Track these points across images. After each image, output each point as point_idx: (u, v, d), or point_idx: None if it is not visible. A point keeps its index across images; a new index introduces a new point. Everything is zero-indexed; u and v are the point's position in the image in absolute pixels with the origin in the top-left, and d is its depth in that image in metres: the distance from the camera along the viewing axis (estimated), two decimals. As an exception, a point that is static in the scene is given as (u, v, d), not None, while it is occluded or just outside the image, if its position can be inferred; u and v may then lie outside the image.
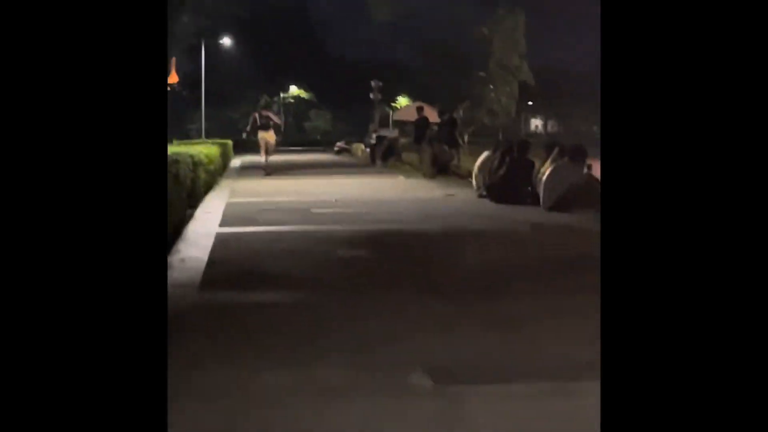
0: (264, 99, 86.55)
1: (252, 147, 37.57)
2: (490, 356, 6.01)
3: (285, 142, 63.18)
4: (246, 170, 30.92)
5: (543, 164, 16.88)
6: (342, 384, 5.55)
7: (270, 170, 27.28)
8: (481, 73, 56.90)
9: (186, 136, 40.22)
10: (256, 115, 30.57)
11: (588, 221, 13.74)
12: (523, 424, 4.93)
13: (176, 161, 14.05)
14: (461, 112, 49.43)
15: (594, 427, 3.52)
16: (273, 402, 5.23)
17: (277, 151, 33.82)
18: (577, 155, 16.55)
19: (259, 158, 32.90)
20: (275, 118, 31.99)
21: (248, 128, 32.05)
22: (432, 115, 34.54)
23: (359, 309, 7.95)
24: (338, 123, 79.31)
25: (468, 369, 5.78)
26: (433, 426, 4.87)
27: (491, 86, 56.20)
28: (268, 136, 28.90)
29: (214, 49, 55.72)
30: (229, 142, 39.65)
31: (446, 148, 27.08)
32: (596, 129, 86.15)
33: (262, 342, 6.66)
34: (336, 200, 18.36)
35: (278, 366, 5.99)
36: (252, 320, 7.51)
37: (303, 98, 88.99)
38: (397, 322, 7.28)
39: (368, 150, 40.76)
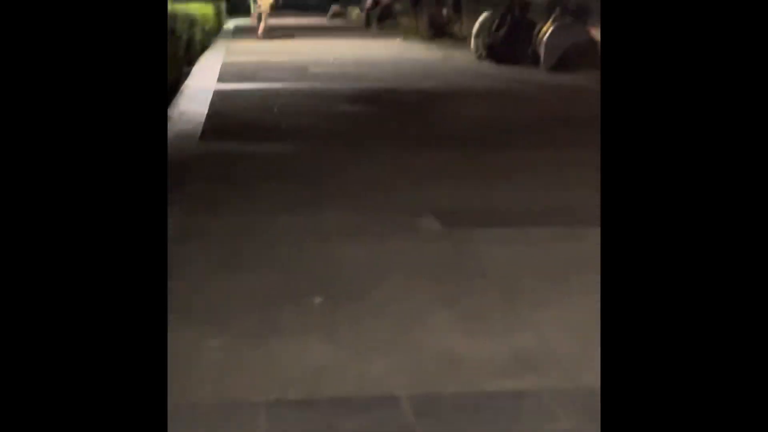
0: None
1: (248, 10, 35.22)
2: (493, 199, 6.06)
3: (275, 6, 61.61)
4: (240, 32, 29.01)
5: (544, 24, 16.28)
6: (346, 225, 5.60)
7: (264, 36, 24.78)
8: None
9: None
10: None
11: (589, 80, 13.12)
12: (528, 256, 5.05)
13: (173, 17, 13.49)
14: None
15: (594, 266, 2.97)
16: (275, 240, 5.22)
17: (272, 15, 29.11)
18: (581, 14, 16.09)
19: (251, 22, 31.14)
20: None
21: None
22: None
23: (362, 159, 7.68)
24: None
25: (473, 211, 5.87)
26: (444, 262, 4.94)
27: None
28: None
29: None
30: (222, 3, 38.16)
31: (444, 11, 25.92)
32: None
33: (262, 187, 6.51)
34: (334, 59, 17.49)
35: (280, 209, 5.88)
36: (252, 165, 7.27)
37: None
38: (402, 168, 7.22)
39: (364, 14, 39.40)
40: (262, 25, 23.69)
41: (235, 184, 6.63)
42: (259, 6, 24.75)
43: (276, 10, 22.99)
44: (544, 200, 6.42)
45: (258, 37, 22.69)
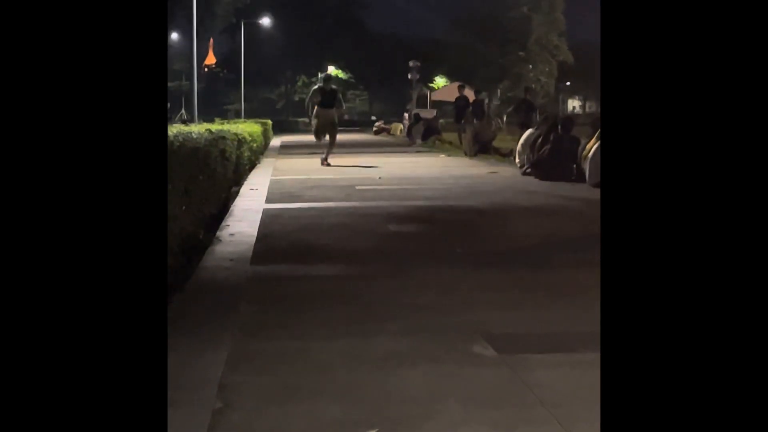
0: (301, 79, 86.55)
1: (290, 127, 36.43)
2: (549, 325, 6.06)
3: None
4: (286, 149, 29.44)
5: (589, 141, 16.52)
6: (397, 350, 5.53)
7: (327, 158, 21.79)
8: (521, 53, 56.96)
9: (224, 115, 40.33)
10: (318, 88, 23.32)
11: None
12: (586, 382, 4.70)
13: (222, 138, 13.80)
14: (497, 96, 49.24)
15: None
16: (327, 368, 5.15)
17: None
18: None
19: (300, 138, 29.35)
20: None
21: (309, 102, 23.43)
22: (470, 95, 33.77)
23: (413, 281, 7.67)
24: (376, 103, 76.33)
25: (527, 337, 5.81)
26: (500, 392, 4.84)
27: (530, 66, 56.45)
28: (328, 117, 22.60)
29: (253, 29, 53.76)
30: (269, 122, 38.98)
31: (487, 127, 26.34)
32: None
33: (311, 313, 6.43)
34: (380, 178, 17.82)
35: (330, 336, 5.85)
36: (301, 291, 7.22)
37: (341, 78, 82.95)
38: (449, 289, 7.32)
39: (407, 130, 40.05)
40: (328, 150, 21.87)
41: (289, 308, 6.58)
42: (317, 124, 21.67)
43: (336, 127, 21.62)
44: (598, 322, 5.81)
45: (323, 164, 20.51)
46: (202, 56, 37.82)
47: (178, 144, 9.62)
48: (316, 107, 21.44)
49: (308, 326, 6.00)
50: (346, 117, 36.73)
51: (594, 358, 4.44)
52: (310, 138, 25.48)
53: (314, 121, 21.92)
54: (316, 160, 21.61)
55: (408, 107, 39.52)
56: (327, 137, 21.26)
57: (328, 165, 19.77)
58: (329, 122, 20.51)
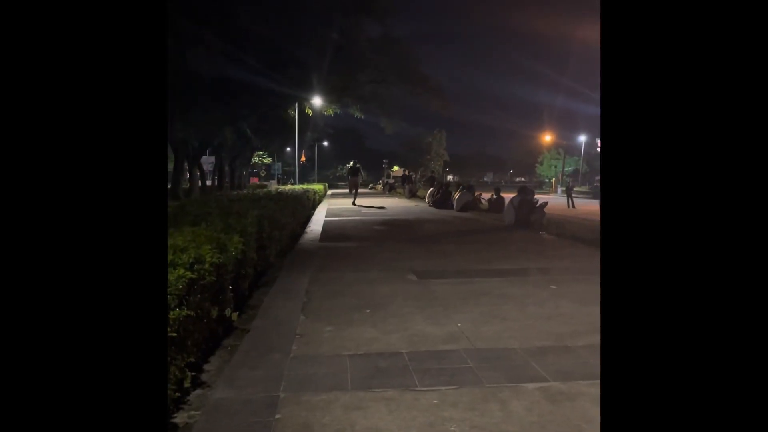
0: (338, 167, 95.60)
1: (334, 186, 40.00)
2: (439, 267, 5.64)
3: (338, 187, 69.75)
4: (333, 196, 30.11)
5: (455, 192, 18.38)
6: (378, 278, 5.57)
7: (355, 201, 20.93)
8: (428, 156, 67.56)
9: (307, 181, 42.64)
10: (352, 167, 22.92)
11: (473, 215, 14.87)
12: (456, 291, 4.84)
13: (307, 190, 16.33)
14: (419, 173, 58.43)
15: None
16: (350, 284, 5.19)
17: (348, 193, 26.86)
18: (469, 188, 17.85)
19: (338, 191, 33.33)
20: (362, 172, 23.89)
21: (346, 173, 24.98)
22: (407, 173, 40.66)
23: (383, 248, 8.06)
24: (371, 176, 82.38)
25: (431, 272, 5.64)
26: (420, 294, 4.77)
27: (431, 161, 67.22)
28: (355, 181, 22.43)
29: (320, 145, 56.21)
30: (326, 184, 43.04)
31: (414, 186, 29.24)
32: (486, 178, 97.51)
33: (344, 261, 6.73)
34: (369, 206, 19.56)
35: (352, 271, 6.01)
36: (340, 253, 7.56)
37: (348, 167, 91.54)
38: (399, 253, 7.33)
39: (383, 186, 43.46)
40: (355, 196, 21.02)
41: (334, 259, 6.93)
42: (353, 183, 21.99)
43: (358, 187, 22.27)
44: (463, 265, 6.55)
45: (353, 205, 19.93)
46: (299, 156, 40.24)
47: (291, 192, 10.41)
48: (349, 176, 22.05)
49: (343, 267, 6.41)
50: (378, 185, 41.19)
51: (463, 280, 5.36)
52: (345, 191, 30.21)
53: (349, 184, 22.48)
54: (346, 200, 23.13)
55: (383, 178, 43.18)
56: (354, 191, 20.99)
57: (354, 205, 19.21)
58: (354, 184, 21.03)
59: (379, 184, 52.53)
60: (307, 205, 14.30)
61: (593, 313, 4.10)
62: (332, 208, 18.55)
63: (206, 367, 2.98)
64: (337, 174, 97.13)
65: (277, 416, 2.34)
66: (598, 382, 2.65)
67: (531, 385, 2.69)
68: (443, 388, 2.66)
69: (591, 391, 2.63)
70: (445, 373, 2.87)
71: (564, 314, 4.08)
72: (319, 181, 50.05)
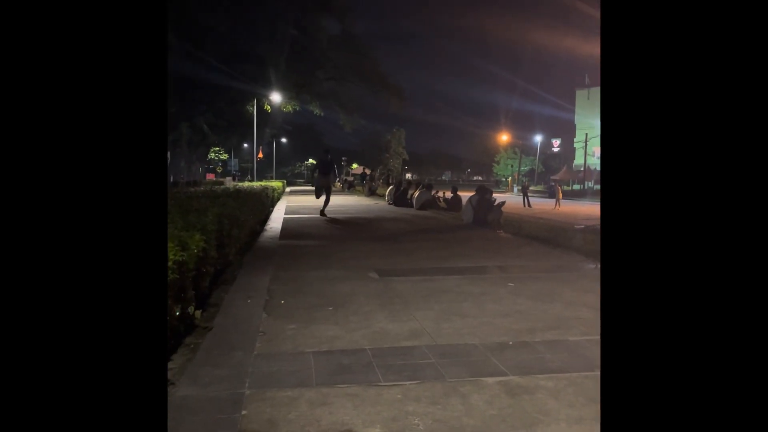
0: (297, 164, 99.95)
1: (292, 183, 40.81)
2: (400, 265, 5.83)
3: (302, 183, 75.16)
4: (292, 193, 31.26)
5: (414, 190, 18.74)
6: (340, 276, 5.58)
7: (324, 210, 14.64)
8: (386, 154, 66.78)
9: (265, 178, 42.97)
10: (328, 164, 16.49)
11: (432, 214, 15.16)
12: (417, 289, 4.88)
13: (266, 187, 16.03)
14: (378, 171, 59.36)
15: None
16: (312, 282, 5.18)
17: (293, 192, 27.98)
18: (428, 187, 18.29)
19: (297, 188, 31.42)
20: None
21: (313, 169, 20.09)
22: (367, 171, 39.68)
23: (344, 247, 8.00)
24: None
25: (392, 270, 5.70)
26: (380, 292, 4.80)
27: (391, 160, 66.99)
28: (326, 181, 16.28)
29: (278, 142, 57.97)
30: (285, 181, 44.10)
31: (375, 184, 30.04)
32: (444, 177, 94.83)
33: (305, 260, 6.71)
34: (342, 205, 19.16)
35: (313, 269, 5.99)
36: (300, 251, 7.49)
37: (314, 164, 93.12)
38: (360, 252, 7.38)
39: (342, 184, 44.97)
40: (326, 202, 14.57)
41: (295, 258, 6.89)
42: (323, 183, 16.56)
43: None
44: (423, 263, 6.65)
45: (321, 215, 13.96)
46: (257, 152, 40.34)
47: (250, 190, 10.25)
48: (317, 173, 15.39)
49: (303, 265, 6.41)
50: (338, 183, 34.70)
51: (423, 278, 5.43)
52: (305, 188, 26.98)
53: (316, 183, 15.56)
54: (307, 197, 23.37)
55: (343, 175, 43.40)
56: (325, 194, 14.69)
57: (324, 216, 13.61)
58: (325, 185, 14.68)
59: (338, 181, 52.91)
60: (267, 202, 14.23)
61: (549, 310, 4.24)
62: (291, 205, 18.32)
63: (169, 365, 2.94)
64: (295, 171, 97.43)
65: (243, 412, 2.35)
66: (555, 376, 2.83)
67: (491, 380, 2.78)
68: (406, 383, 2.72)
69: (548, 384, 2.73)
70: (407, 368, 2.93)
71: (521, 311, 4.18)
72: (277, 178, 50.01)
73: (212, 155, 53.59)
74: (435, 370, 2.91)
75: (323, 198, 14.23)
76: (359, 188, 36.13)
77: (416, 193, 18.10)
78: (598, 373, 2.81)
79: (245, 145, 53.47)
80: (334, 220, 12.75)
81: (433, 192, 18.66)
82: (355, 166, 67.29)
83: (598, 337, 3.32)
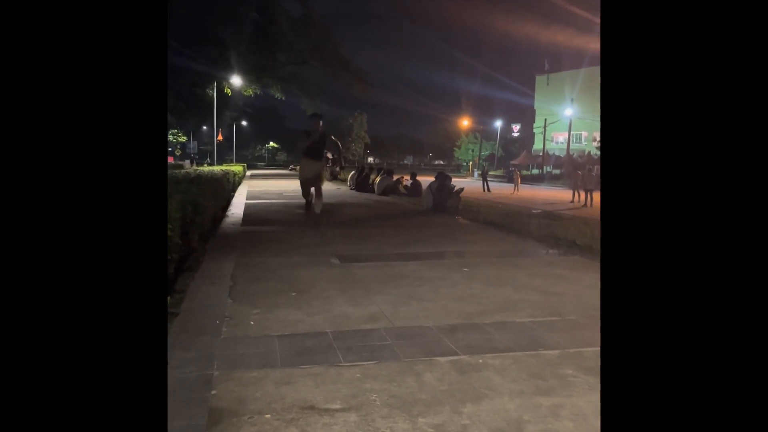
0: (257, 147, 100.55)
1: (253, 167, 40.79)
2: (361, 251, 5.93)
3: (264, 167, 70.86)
4: (253, 177, 30.95)
5: (376, 176, 18.88)
6: (302, 262, 5.66)
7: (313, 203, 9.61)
8: (349, 138, 68.46)
9: (225, 161, 42.33)
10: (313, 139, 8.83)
11: (394, 199, 15.30)
12: (377, 274, 4.99)
13: (227, 172, 15.14)
14: (343, 155, 57.71)
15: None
16: (275, 269, 5.25)
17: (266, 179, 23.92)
18: (389, 173, 18.56)
19: (258, 172, 30.63)
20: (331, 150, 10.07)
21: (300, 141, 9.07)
22: (330, 155, 39.53)
23: (305, 232, 8.14)
24: (290, 157, 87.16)
25: (353, 256, 5.85)
26: (341, 278, 4.92)
27: (353, 144, 68.98)
28: (316, 167, 9.03)
29: (239, 124, 57.76)
30: (245, 165, 43.52)
31: (337, 169, 29.34)
32: (406, 161, 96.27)
33: (268, 246, 6.73)
34: (294, 190, 19.12)
35: (276, 255, 6.06)
36: (263, 237, 7.55)
37: (275, 147, 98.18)
38: (322, 237, 7.48)
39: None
40: (317, 194, 9.45)
41: (257, 244, 6.92)
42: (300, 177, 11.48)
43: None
44: (383, 249, 6.77)
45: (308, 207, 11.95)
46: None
47: (211, 175, 10.11)
48: (305, 150, 8.80)
49: (266, 251, 6.48)
50: (338, 172, 28.50)
51: (383, 264, 5.59)
52: (265, 171, 26.43)
53: (301, 169, 9.19)
54: (269, 182, 23.36)
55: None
56: (315, 184, 9.17)
57: (310, 207, 9.59)
58: (314, 175, 8.94)
59: (338, 169, 52.58)
60: (228, 187, 14.17)
61: (500, 294, 4.49)
62: (252, 190, 18.32)
63: (138, 349, 3.16)
64: (256, 154, 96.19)
65: (212, 392, 2.50)
66: (502, 355, 3.08)
67: (443, 359, 2.99)
68: (365, 363, 2.91)
69: (495, 362, 2.97)
70: (366, 349, 3.12)
71: (474, 295, 4.41)
72: (237, 161, 49.23)
73: (171, 138, 52.49)
74: (392, 350, 3.11)
75: (316, 191, 9.13)
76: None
77: (378, 179, 18.18)
78: (541, 351, 3.15)
79: (204, 127, 52.58)
80: (296, 206, 12.68)
81: (394, 177, 19.00)
82: (317, 149, 66.88)
83: (543, 319, 3.74)
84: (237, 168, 24.79)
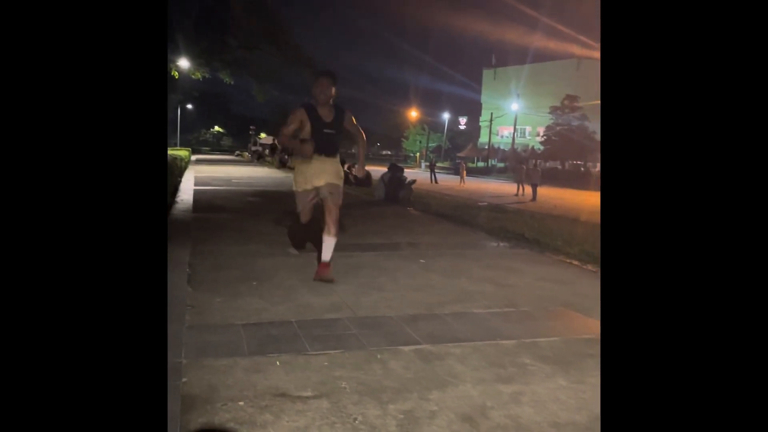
0: (203, 131, 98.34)
1: (197, 152, 41.86)
2: (318, 241, 5.73)
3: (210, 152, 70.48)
4: (198, 162, 30.33)
5: None
6: (260, 251, 5.66)
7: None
8: None
9: (169, 146, 42.27)
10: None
11: (345, 189, 14.49)
12: (336, 264, 4.70)
13: (176, 158, 14.72)
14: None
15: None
16: (233, 257, 5.26)
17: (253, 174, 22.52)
18: (341, 162, 17.48)
19: (204, 156, 31.53)
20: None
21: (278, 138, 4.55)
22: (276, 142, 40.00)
23: (259, 220, 8.10)
24: (236, 142, 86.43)
25: (310, 246, 5.68)
26: (301, 267, 4.90)
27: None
28: (327, 169, 4.40)
29: (184, 107, 56.59)
30: (190, 149, 43.24)
31: (286, 156, 28.75)
32: (353, 150, 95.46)
33: (223, 234, 6.67)
34: (241, 176, 18.96)
35: (232, 243, 6.05)
36: (216, 225, 7.47)
37: (220, 132, 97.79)
38: (277, 226, 7.42)
39: (250, 154, 44.57)
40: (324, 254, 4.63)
41: (210, 231, 6.84)
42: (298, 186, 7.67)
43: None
44: (340, 239, 6.56)
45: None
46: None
47: None
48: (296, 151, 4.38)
49: (222, 239, 6.41)
50: (287, 160, 26.93)
51: (341, 254, 5.32)
52: (211, 157, 28.32)
53: (297, 187, 4.53)
54: (217, 167, 22.56)
55: (250, 145, 42.89)
56: (327, 223, 4.47)
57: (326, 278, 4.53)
58: (325, 186, 4.39)
59: (246, 152, 51.52)
60: (176, 173, 13.91)
61: (457, 285, 4.62)
62: (200, 176, 18.02)
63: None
64: (201, 138, 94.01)
65: (183, 380, 2.53)
66: (462, 344, 3.20)
67: (406, 348, 3.09)
68: (331, 351, 2.97)
69: (456, 351, 3.09)
70: (331, 338, 3.18)
71: (432, 286, 4.53)
72: (181, 145, 48.02)
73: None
74: (357, 339, 3.19)
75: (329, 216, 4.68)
76: (269, 159, 35.16)
77: (327, 167, 18.42)
78: (499, 341, 3.28)
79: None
80: (247, 193, 12.61)
81: (345, 166, 18.84)
82: (263, 135, 65.27)
83: (499, 310, 3.87)
84: (183, 153, 24.29)
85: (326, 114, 4.28)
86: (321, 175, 4.38)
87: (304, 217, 4.72)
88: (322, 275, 4.41)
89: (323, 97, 4.23)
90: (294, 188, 4.56)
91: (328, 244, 4.46)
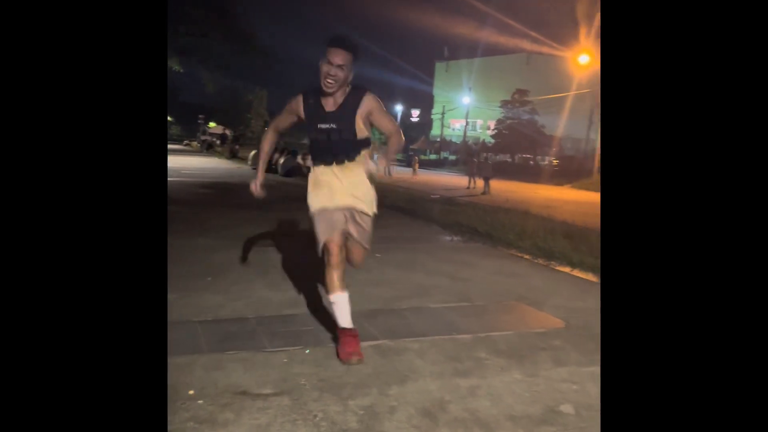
0: None
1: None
2: (268, 233, 6.06)
3: None
4: None
5: (280, 156, 18.28)
6: (214, 245, 5.62)
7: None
8: (249, 115, 66.13)
9: None
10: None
11: (298, 181, 14.85)
12: (293, 258, 4.89)
13: None
14: (239, 131, 59.64)
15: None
16: (187, 252, 5.16)
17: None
18: (293, 153, 18.32)
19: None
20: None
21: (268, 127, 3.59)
22: (227, 131, 37.91)
23: (213, 214, 8.02)
24: (184, 131, 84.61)
25: (265, 240, 5.88)
26: (257, 262, 4.90)
27: (253, 120, 66.16)
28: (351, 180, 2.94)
29: None
30: None
31: (237, 146, 29.29)
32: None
33: (174, 227, 6.38)
34: (192, 167, 19.01)
35: (184, 237, 5.94)
36: (168, 218, 7.70)
37: (168, 121, 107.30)
38: (230, 220, 7.49)
39: (199, 144, 44.00)
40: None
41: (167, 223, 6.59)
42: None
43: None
44: (286, 229, 6.69)
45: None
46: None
47: None
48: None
49: (174, 233, 6.06)
50: (237, 150, 28.21)
51: (288, 245, 5.56)
52: (175, 147, 29.21)
53: (314, 207, 2.93)
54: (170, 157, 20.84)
55: (198, 134, 41.92)
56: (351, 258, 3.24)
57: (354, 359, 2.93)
58: (343, 209, 2.94)
59: (194, 141, 50.31)
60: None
61: (413, 279, 4.69)
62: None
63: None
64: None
65: (141, 379, 2.55)
66: (420, 339, 3.25)
67: (365, 343, 3.09)
68: (290, 348, 2.98)
69: (414, 346, 3.13)
70: (290, 335, 3.19)
71: (389, 280, 4.58)
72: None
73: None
74: (315, 335, 3.20)
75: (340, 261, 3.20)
76: (219, 149, 34.30)
77: (282, 159, 17.77)
78: (456, 336, 3.34)
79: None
80: (198, 185, 12.42)
81: (299, 158, 18.72)
82: (213, 125, 63.92)
83: (455, 304, 3.95)
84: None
85: (330, 102, 2.86)
86: (337, 195, 2.91)
87: (331, 253, 3.01)
88: (353, 351, 2.82)
89: (330, 74, 2.72)
90: (311, 208, 2.98)
91: (339, 303, 2.96)
